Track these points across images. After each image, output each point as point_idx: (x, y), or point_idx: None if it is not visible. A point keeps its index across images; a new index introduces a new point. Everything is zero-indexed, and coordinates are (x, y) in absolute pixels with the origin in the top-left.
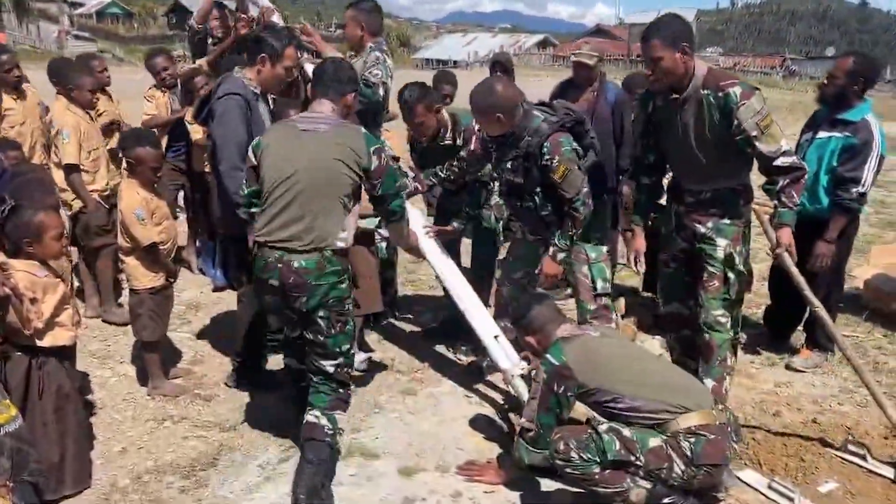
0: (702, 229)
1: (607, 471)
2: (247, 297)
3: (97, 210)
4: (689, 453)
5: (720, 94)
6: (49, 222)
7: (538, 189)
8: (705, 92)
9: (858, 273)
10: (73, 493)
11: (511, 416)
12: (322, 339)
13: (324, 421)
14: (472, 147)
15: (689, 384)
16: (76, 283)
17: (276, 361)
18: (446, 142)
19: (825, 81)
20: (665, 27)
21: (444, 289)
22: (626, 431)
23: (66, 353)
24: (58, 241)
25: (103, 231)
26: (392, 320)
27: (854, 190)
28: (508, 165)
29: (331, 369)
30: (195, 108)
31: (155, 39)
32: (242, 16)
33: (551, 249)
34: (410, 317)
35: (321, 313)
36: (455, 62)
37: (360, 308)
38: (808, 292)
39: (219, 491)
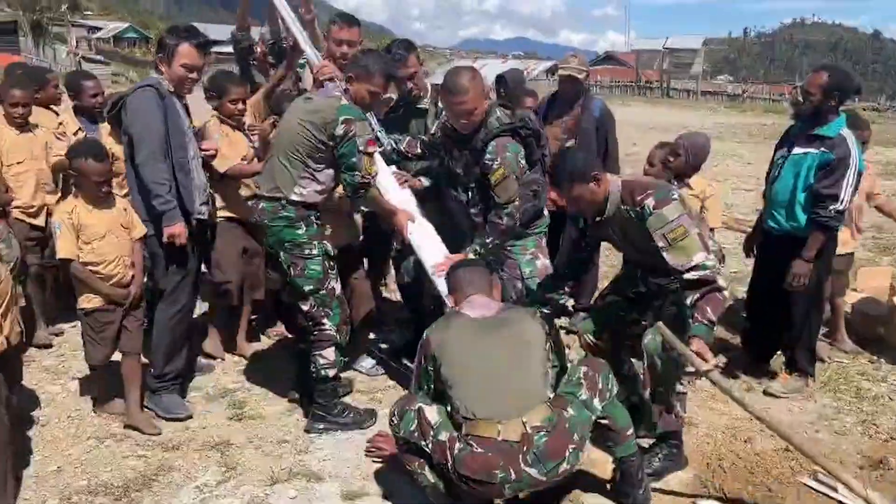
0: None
1: (405, 447)
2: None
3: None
4: (451, 457)
5: (637, 207)
6: None
7: (473, 185)
8: (624, 207)
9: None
10: None
11: None
12: (288, 280)
13: (314, 363)
14: (432, 130)
15: (514, 394)
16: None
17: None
18: (422, 105)
19: (800, 98)
20: (571, 166)
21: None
22: (433, 415)
23: None
24: None
25: (30, 249)
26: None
27: (832, 207)
28: (455, 153)
29: (304, 307)
30: (108, 107)
31: None
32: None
33: (466, 249)
34: (377, 335)
35: (281, 255)
36: None
37: (357, 313)
38: (694, 359)
39: None
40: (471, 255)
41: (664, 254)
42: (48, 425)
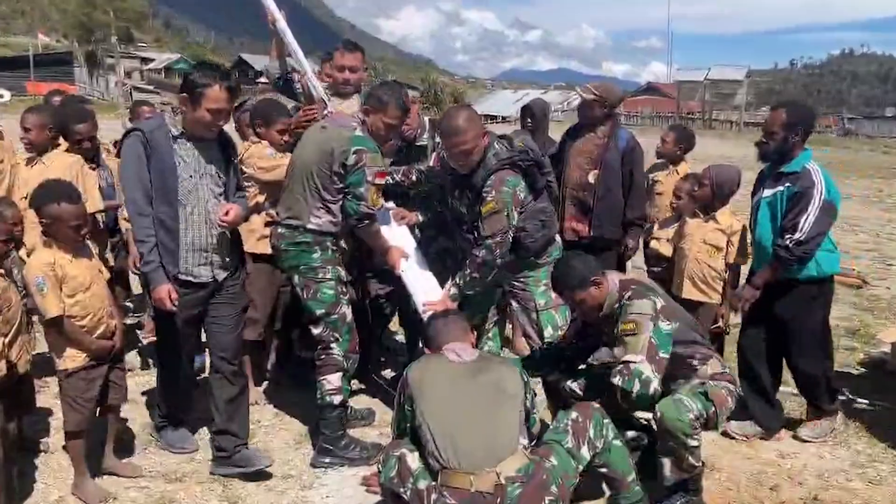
0: None
1: (387, 493)
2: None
3: None
4: None
5: (618, 302)
6: None
7: (476, 223)
8: (616, 306)
9: (885, 336)
10: None
11: None
12: (301, 304)
13: (320, 388)
14: (430, 162)
15: (488, 443)
16: None
17: None
18: (421, 142)
19: (763, 139)
20: (569, 277)
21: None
22: (414, 462)
23: None
24: None
25: None
26: (374, 375)
27: (788, 237)
28: (456, 193)
29: (315, 331)
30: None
31: None
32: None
33: (448, 284)
34: (392, 372)
35: (295, 279)
36: (504, 118)
37: None
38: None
39: None
40: (452, 291)
41: (616, 342)
42: (55, 453)
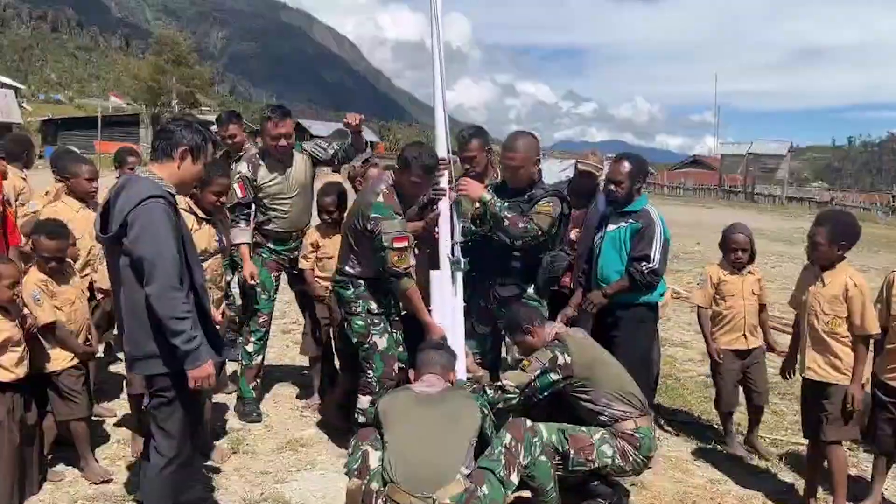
0: None
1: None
2: None
3: None
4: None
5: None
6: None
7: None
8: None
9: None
10: None
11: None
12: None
13: (357, 402)
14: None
15: (431, 470)
16: None
17: None
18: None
19: (612, 188)
20: (510, 321)
21: None
22: (374, 461)
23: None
24: (9, 289)
25: None
26: None
27: (644, 265)
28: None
29: (360, 355)
30: (98, 224)
31: None
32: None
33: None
34: None
35: (341, 311)
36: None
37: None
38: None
39: None
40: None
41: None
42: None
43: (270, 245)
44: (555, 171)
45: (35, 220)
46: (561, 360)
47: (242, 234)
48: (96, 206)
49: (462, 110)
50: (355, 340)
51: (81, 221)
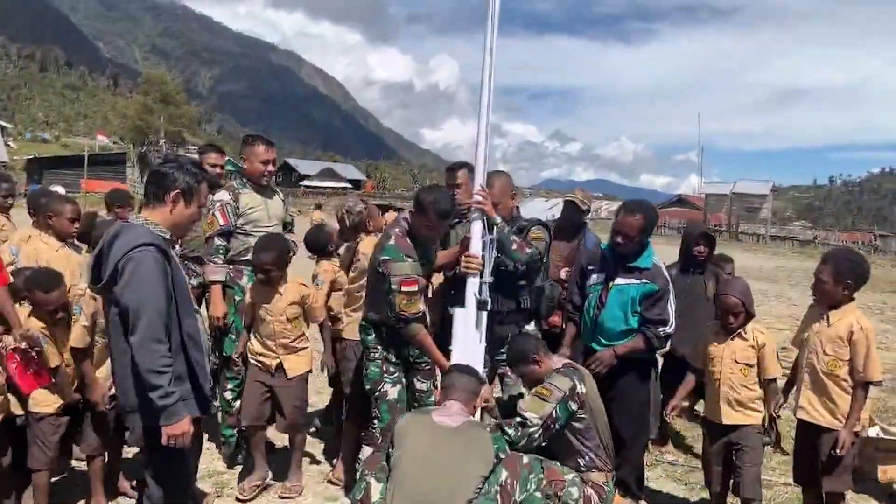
0: None
1: None
2: None
3: None
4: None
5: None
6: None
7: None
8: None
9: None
10: None
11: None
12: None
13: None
14: None
15: (435, 501)
16: None
17: None
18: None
19: (620, 240)
20: (514, 353)
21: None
22: (375, 494)
23: None
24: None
25: None
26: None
27: (661, 329)
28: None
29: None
30: (91, 273)
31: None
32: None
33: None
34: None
35: (364, 358)
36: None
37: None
38: None
39: None
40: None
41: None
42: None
43: (244, 280)
44: (541, 210)
45: (24, 276)
46: (579, 389)
47: (218, 273)
48: (74, 246)
49: (448, 149)
50: (367, 387)
51: (62, 260)
